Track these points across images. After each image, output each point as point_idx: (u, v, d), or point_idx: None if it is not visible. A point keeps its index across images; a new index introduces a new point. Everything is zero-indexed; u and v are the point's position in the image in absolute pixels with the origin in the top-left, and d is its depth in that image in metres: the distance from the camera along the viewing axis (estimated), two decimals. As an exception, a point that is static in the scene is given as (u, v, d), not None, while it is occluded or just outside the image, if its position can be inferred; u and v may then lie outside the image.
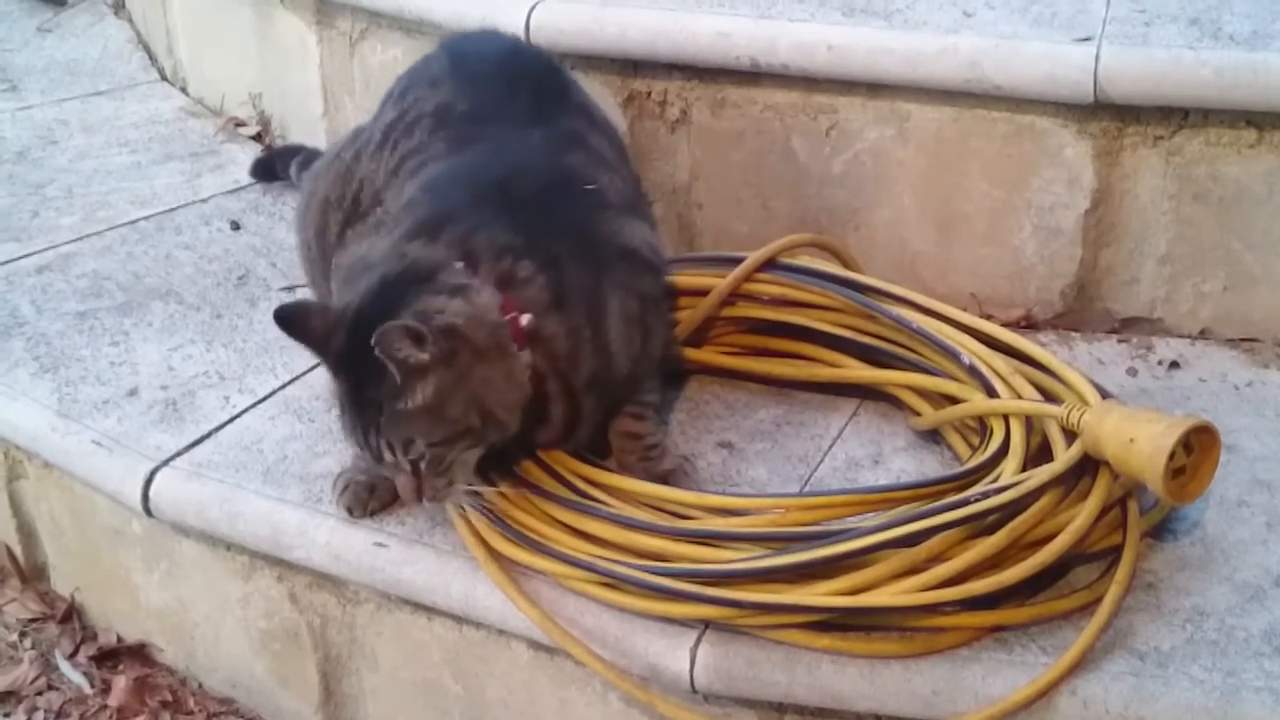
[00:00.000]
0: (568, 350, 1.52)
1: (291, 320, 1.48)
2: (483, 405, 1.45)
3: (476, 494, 1.51)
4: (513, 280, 1.50)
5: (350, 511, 1.61)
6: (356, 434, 1.47)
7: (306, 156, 2.32)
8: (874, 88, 1.91)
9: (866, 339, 1.75)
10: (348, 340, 1.45)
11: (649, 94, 2.03)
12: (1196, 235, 1.86)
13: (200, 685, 1.88)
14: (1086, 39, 1.83)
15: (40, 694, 1.88)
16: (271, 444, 1.76)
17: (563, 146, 1.67)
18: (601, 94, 2.01)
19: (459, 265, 1.49)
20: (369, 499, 1.61)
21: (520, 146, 1.66)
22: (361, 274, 1.52)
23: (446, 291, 1.45)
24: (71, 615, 1.98)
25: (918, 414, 1.71)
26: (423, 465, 1.46)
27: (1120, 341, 1.92)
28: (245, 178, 2.47)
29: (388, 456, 1.46)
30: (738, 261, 1.79)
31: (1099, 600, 1.41)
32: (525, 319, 1.47)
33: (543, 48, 1.91)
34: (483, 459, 1.52)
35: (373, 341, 1.36)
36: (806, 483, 1.65)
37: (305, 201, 1.92)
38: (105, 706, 1.85)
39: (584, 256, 1.56)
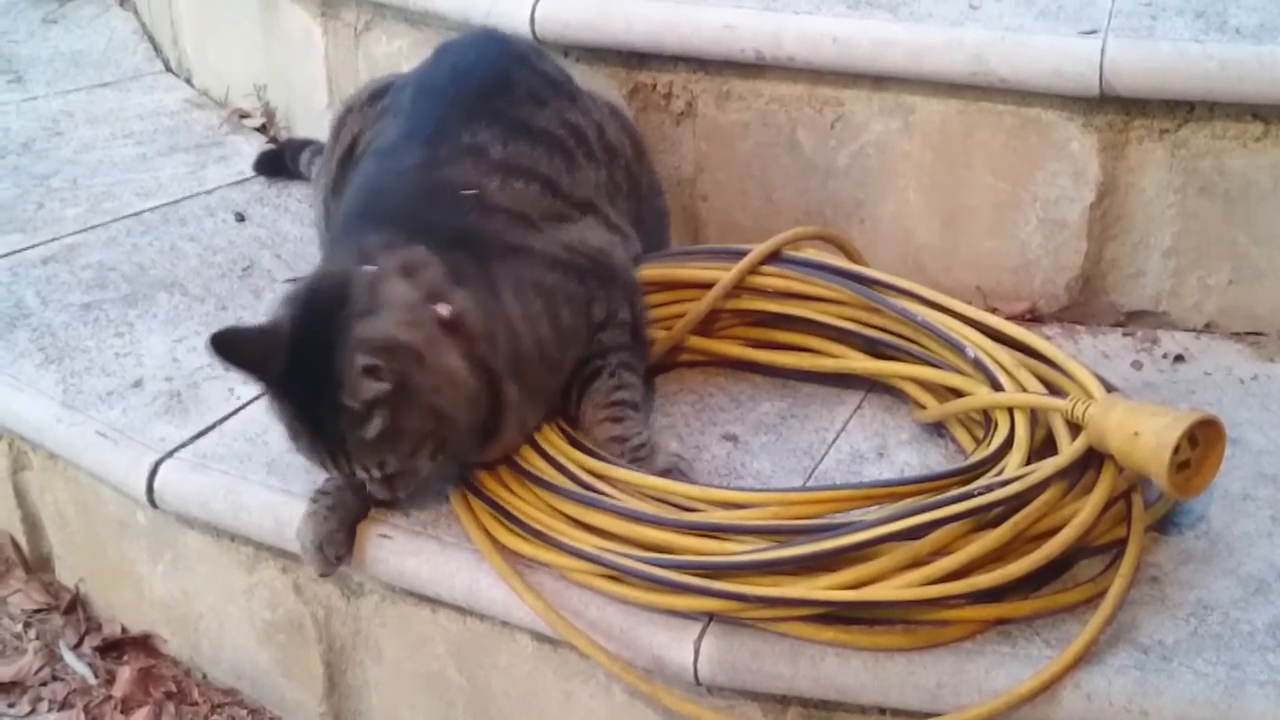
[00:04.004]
0: (481, 326, 1.51)
1: (228, 347, 1.46)
2: (437, 408, 1.46)
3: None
4: (413, 266, 1.51)
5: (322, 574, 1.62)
6: (322, 460, 1.48)
7: (317, 148, 2.31)
8: (879, 80, 1.91)
9: (871, 332, 1.74)
10: (286, 367, 1.45)
11: (654, 86, 2.03)
12: (1202, 228, 1.86)
13: (205, 676, 1.89)
14: (1092, 32, 1.82)
15: (45, 684, 1.89)
16: (276, 436, 1.74)
17: (439, 161, 1.69)
18: (607, 85, 2.01)
19: (364, 268, 1.49)
20: (335, 550, 1.60)
21: (393, 173, 1.69)
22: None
23: (366, 299, 1.45)
24: (76, 606, 1.98)
25: (922, 407, 1.71)
26: (389, 474, 1.48)
27: (1125, 335, 1.91)
28: (250, 170, 2.47)
29: (361, 475, 1.48)
30: (742, 254, 1.79)
31: (1103, 594, 1.41)
32: (443, 309, 1.48)
33: (522, 50, 1.88)
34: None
35: (347, 401, 1.39)
36: (810, 475, 1.66)
37: (313, 193, 1.97)
38: (110, 697, 1.85)
39: (465, 248, 1.58)
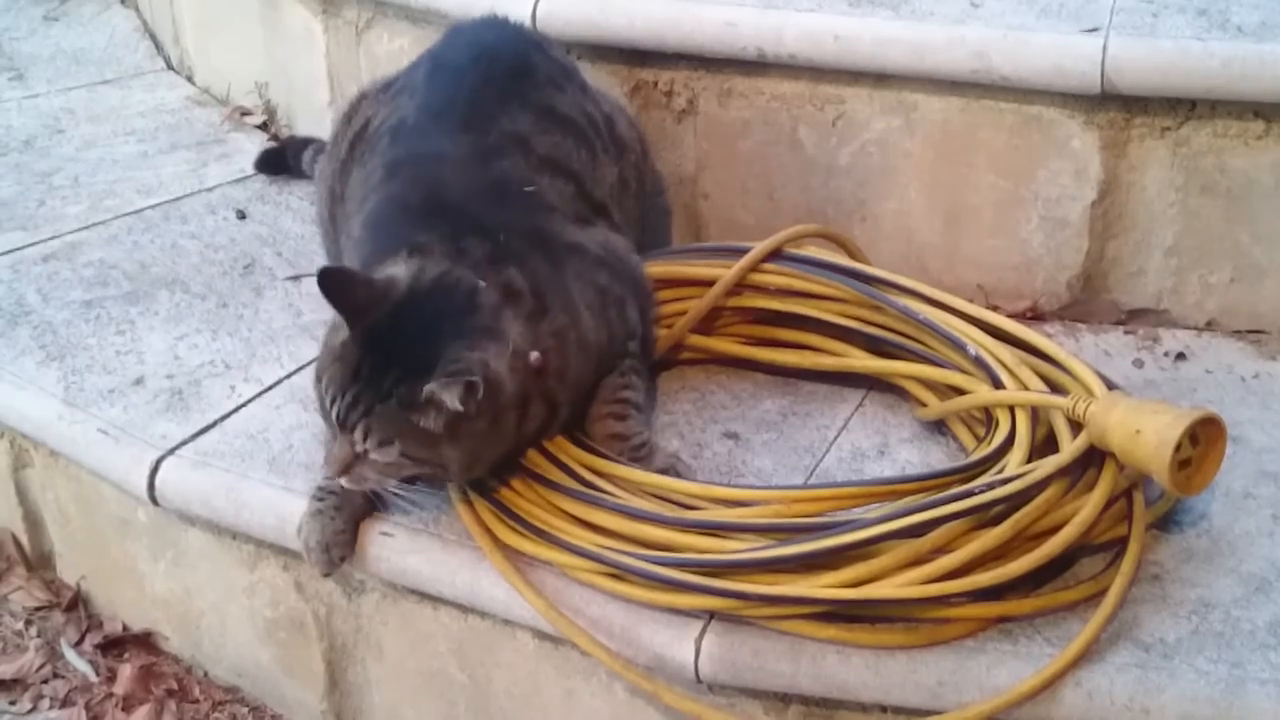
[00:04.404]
0: (558, 365, 1.53)
1: (336, 284, 1.47)
2: (474, 456, 1.48)
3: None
4: (514, 294, 1.52)
5: (326, 573, 1.62)
6: (341, 399, 1.45)
7: (319, 147, 2.31)
8: (881, 78, 1.91)
9: (872, 330, 1.74)
10: (387, 327, 1.46)
11: (656, 84, 2.03)
12: (1203, 227, 1.86)
13: (206, 674, 1.89)
14: (1094, 30, 1.82)
15: (46, 682, 1.89)
16: (277, 433, 1.76)
17: (491, 154, 1.69)
18: (609, 84, 2.01)
19: (484, 285, 1.50)
20: (341, 551, 1.60)
21: (444, 160, 1.68)
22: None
23: (491, 320, 1.47)
24: (77, 603, 1.98)
25: (924, 405, 1.71)
26: (375, 457, 1.47)
27: (1127, 333, 1.91)
28: (251, 167, 2.47)
29: (355, 437, 1.46)
30: (744, 252, 1.79)
31: (1104, 592, 1.41)
32: (535, 357, 1.49)
33: (536, 38, 1.91)
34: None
35: (432, 386, 1.39)
36: (812, 473, 1.65)
37: (316, 185, 1.99)
38: (111, 695, 1.85)
39: (542, 253, 1.59)
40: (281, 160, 2.44)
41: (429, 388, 1.40)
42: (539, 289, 1.55)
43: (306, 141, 2.42)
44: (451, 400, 1.40)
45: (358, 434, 1.46)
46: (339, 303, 1.47)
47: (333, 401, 1.47)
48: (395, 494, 1.53)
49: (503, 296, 1.50)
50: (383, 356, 1.45)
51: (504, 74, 1.77)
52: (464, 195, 1.65)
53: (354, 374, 1.45)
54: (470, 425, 1.44)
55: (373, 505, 1.61)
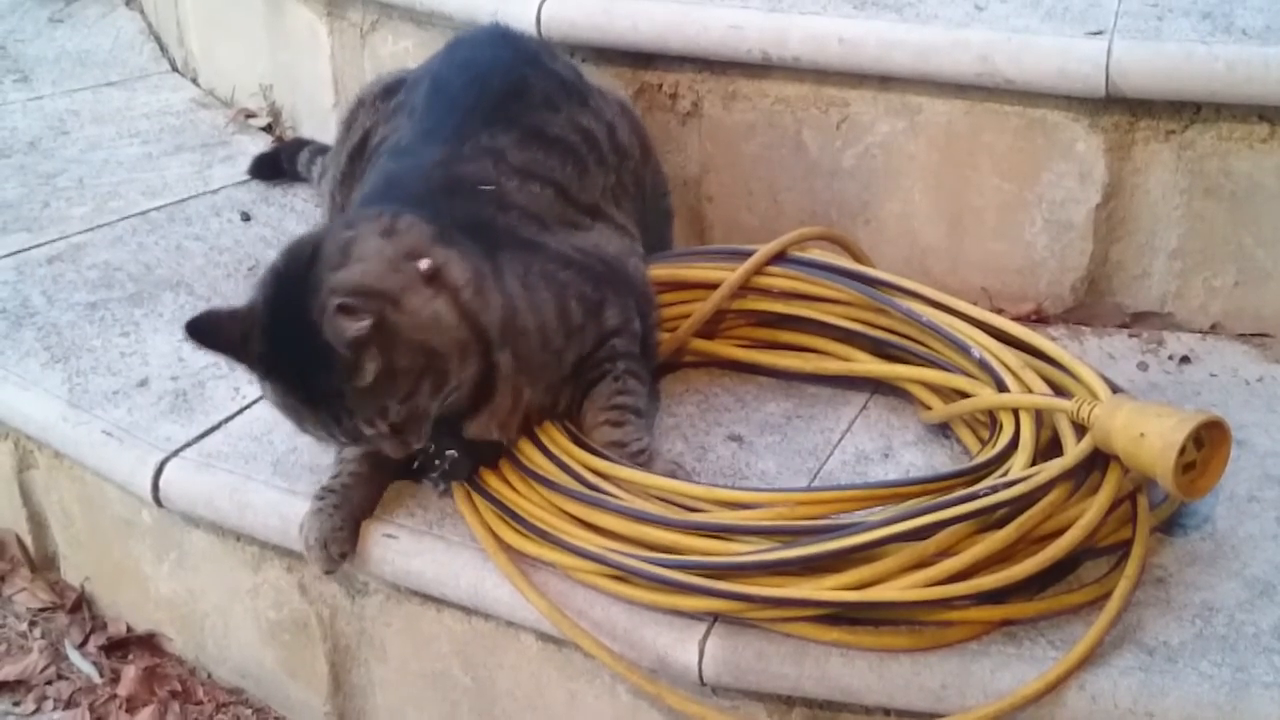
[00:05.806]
0: (466, 277, 1.49)
1: (204, 331, 1.48)
2: (426, 344, 1.44)
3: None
4: (394, 229, 1.50)
5: (327, 571, 1.62)
6: (323, 428, 1.47)
7: (316, 149, 2.32)
8: (885, 81, 1.91)
9: (876, 332, 1.74)
10: (267, 342, 1.45)
11: (660, 86, 2.03)
12: (1208, 230, 1.86)
13: (209, 675, 1.89)
14: (1098, 33, 1.82)
15: (50, 683, 1.89)
16: (281, 435, 1.76)
17: (460, 158, 1.69)
18: (613, 87, 2.00)
19: (340, 231, 1.49)
20: (339, 548, 1.60)
21: (415, 167, 1.69)
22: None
23: (338, 256, 1.45)
24: (81, 605, 1.98)
25: (928, 408, 1.71)
26: (394, 422, 1.46)
27: (1131, 336, 1.91)
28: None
29: (367, 431, 1.46)
30: (748, 254, 1.79)
31: (1108, 595, 1.41)
32: (423, 263, 1.46)
33: (535, 48, 1.89)
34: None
35: (326, 336, 1.38)
36: (815, 476, 1.65)
37: (319, 190, 2.01)
38: (114, 696, 1.85)
39: (477, 236, 1.57)
40: (276, 165, 2.44)
41: (341, 352, 1.39)
42: (443, 228, 1.52)
43: (303, 144, 2.42)
44: (353, 330, 1.38)
45: (367, 431, 1.46)
46: (215, 346, 1.49)
47: (329, 438, 1.49)
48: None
49: (379, 232, 1.49)
50: (301, 374, 1.44)
51: (495, 98, 1.76)
52: (417, 190, 1.65)
53: (310, 408, 1.46)
54: (392, 329, 1.41)
55: (373, 503, 1.61)
